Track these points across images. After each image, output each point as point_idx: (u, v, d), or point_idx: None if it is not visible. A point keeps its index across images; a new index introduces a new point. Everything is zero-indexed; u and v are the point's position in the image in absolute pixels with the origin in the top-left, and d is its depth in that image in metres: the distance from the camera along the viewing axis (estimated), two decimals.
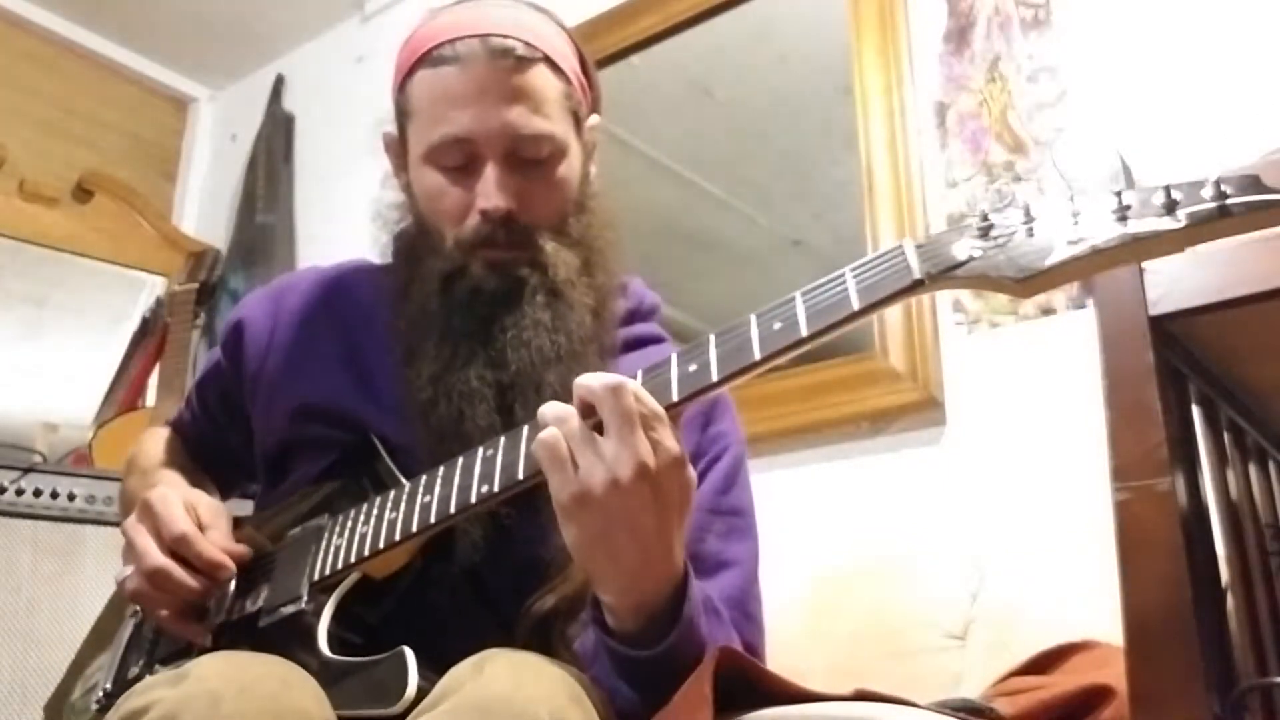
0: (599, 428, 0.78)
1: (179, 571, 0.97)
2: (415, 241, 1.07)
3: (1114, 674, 0.77)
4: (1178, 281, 0.69)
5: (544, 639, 0.92)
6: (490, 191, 0.99)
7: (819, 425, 1.79)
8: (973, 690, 1.05)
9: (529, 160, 1.01)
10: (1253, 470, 0.79)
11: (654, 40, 2.28)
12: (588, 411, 0.79)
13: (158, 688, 0.76)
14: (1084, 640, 0.95)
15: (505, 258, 1.01)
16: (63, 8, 3.02)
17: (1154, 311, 0.69)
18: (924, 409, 1.72)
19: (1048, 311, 1.65)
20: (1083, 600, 1.16)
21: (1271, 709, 0.67)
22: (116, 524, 2.04)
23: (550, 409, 0.80)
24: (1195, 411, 0.75)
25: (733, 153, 2.26)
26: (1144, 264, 0.71)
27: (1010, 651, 1.11)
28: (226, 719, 0.73)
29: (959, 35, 1.86)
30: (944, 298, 1.75)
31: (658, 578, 0.81)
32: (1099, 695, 0.82)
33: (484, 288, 1.00)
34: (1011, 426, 1.64)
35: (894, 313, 1.76)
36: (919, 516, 1.68)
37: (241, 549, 1.01)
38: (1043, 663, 0.96)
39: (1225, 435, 0.76)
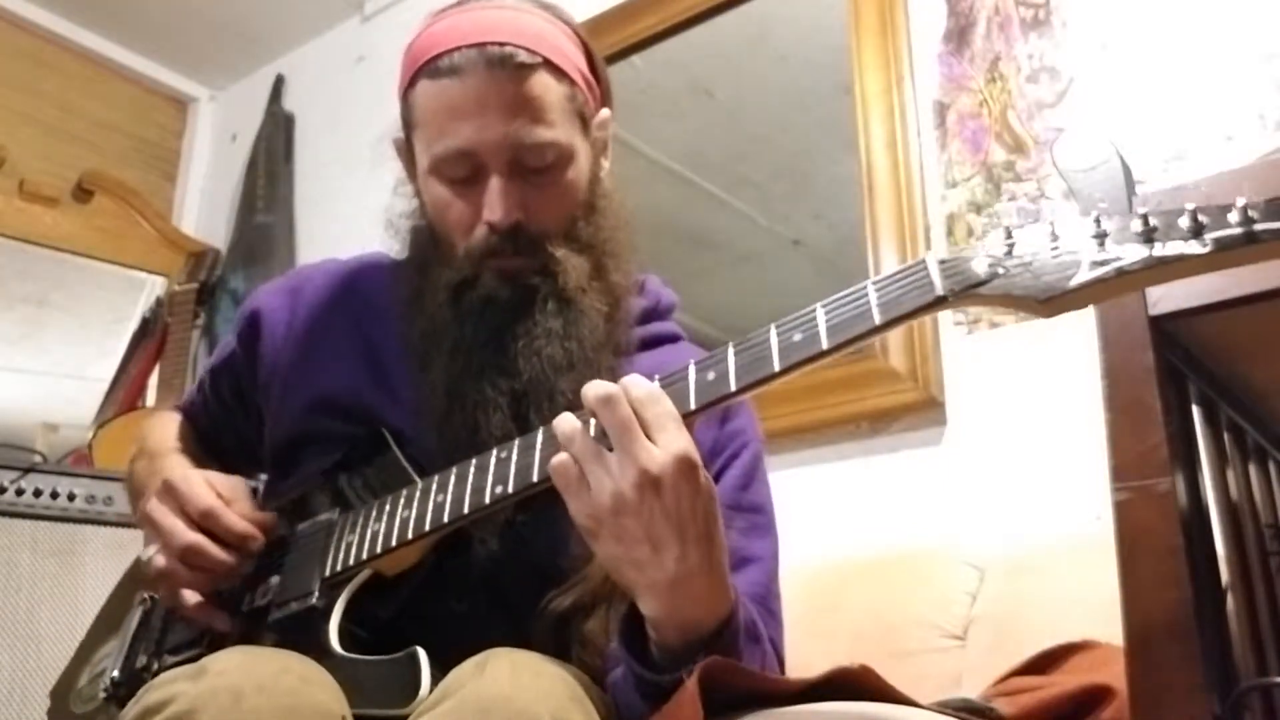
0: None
1: (212, 546, 0.98)
2: (427, 247, 1.07)
3: (1114, 674, 0.77)
4: (1178, 281, 0.69)
5: (560, 638, 0.92)
6: (495, 204, 0.98)
7: (819, 425, 1.79)
8: (973, 690, 1.05)
9: (533, 169, 1.00)
10: (1253, 470, 0.79)
11: (654, 40, 2.29)
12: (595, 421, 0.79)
13: (178, 682, 0.76)
14: (1084, 640, 0.95)
15: (515, 267, 1.00)
16: (63, 8, 3.02)
17: (1154, 311, 0.69)
18: (924, 409, 1.72)
19: None
20: (1082, 600, 1.16)
21: (1271, 709, 0.67)
22: (117, 524, 2.06)
23: (561, 425, 0.80)
24: (1195, 411, 0.74)
25: (733, 153, 2.26)
26: None
27: (1010, 651, 1.11)
28: (247, 715, 0.73)
29: (959, 35, 1.86)
30: None
31: (699, 596, 0.79)
32: (1099, 695, 0.82)
33: (495, 298, 1.00)
34: (1011, 427, 1.64)
35: None
36: (919, 516, 1.67)
37: (269, 517, 1.02)
38: (1043, 663, 0.96)
39: (1225, 435, 0.76)
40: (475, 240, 1.00)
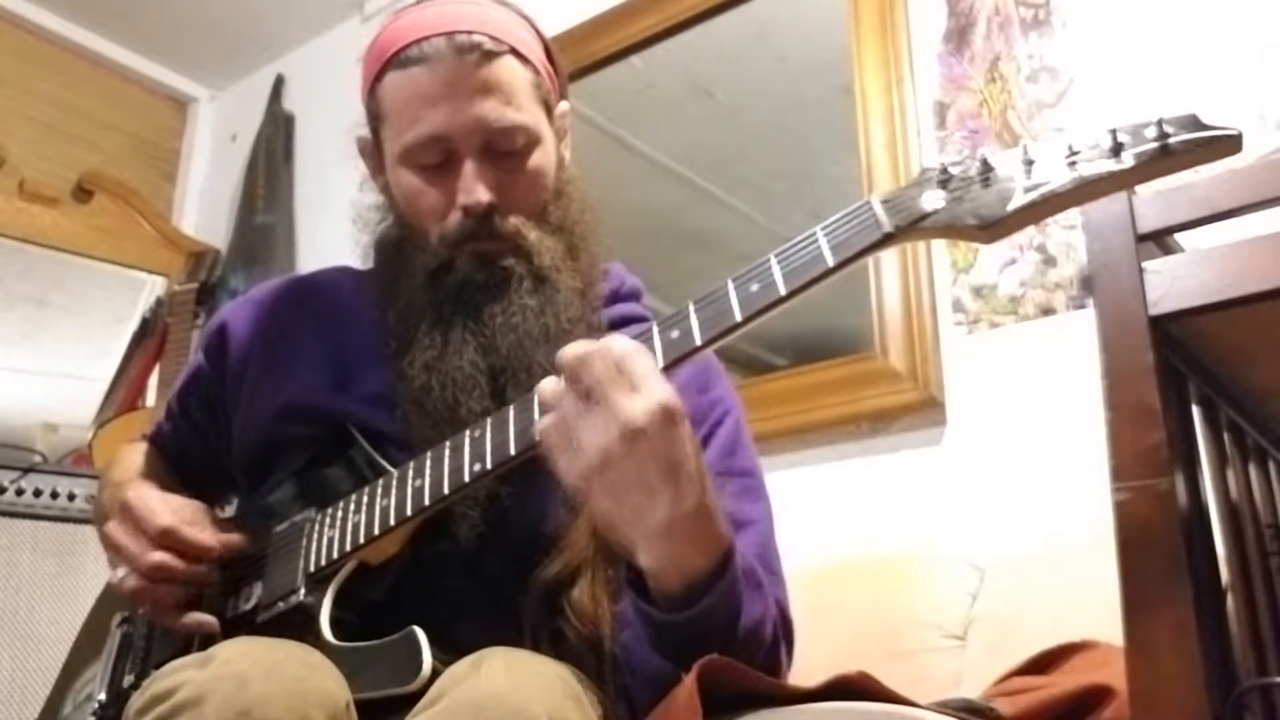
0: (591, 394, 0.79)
1: (177, 561, 0.99)
2: (400, 241, 1.08)
3: (1114, 674, 0.77)
4: (1178, 281, 0.69)
5: (549, 608, 0.93)
6: (470, 187, 1.00)
7: (819, 425, 1.79)
8: (973, 690, 1.05)
9: (504, 152, 1.02)
10: (1253, 470, 0.79)
11: (654, 40, 2.28)
12: (576, 382, 0.79)
13: (184, 670, 0.77)
14: (1084, 640, 0.95)
15: (490, 250, 1.02)
16: (63, 8, 3.02)
17: (1154, 311, 0.69)
18: (924, 409, 1.71)
19: (1048, 311, 1.65)
20: (1082, 600, 1.16)
21: (1271, 709, 0.67)
22: None
23: (545, 389, 0.81)
24: (1195, 411, 0.74)
25: (733, 153, 2.26)
26: (1144, 264, 0.71)
27: (1010, 651, 1.11)
28: (253, 700, 0.73)
29: (959, 35, 1.86)
30: (944, 298, 1.75)
31: (694, 537, 0.80)
32: (1099, 695, 0.82)
33: (471, 280, 1.02)
34: (1012, 427, 1.64)
35: (894, 312, 1.76)
36: (919, 516, 1.67)
37: (229, 536, 1.03)
38: (1043, 663, 0.96)
39: (1225, 435, 0.76)
40: (449, 226, 1.02)
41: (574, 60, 2.06)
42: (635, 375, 0.78)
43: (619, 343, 0.80)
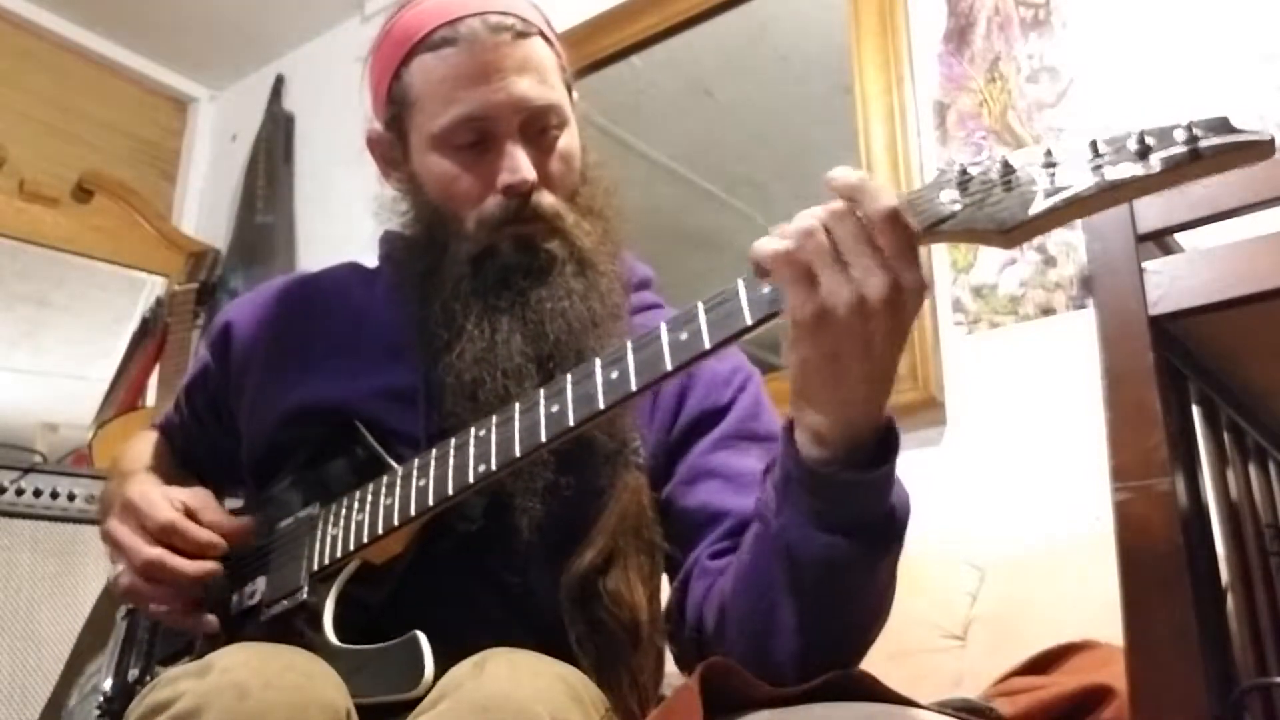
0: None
1: (172, 558, 0.97)
2: (430, 231, 1.06)
3: (1114, 674, 0.77)
4: (1178, 281, 0.69)
5: (587, 595, 0.92)
6: (515, 165, 0.99)
7: None
8: (973, 690, 1.04)
9: (539, 131, 1.01)
10: (1253, 470, 0.79)
11: (654, 40, 2.29)
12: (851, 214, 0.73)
13: (183, 680, 0.76)
14: (1084, 640, 0.95)
15: (530, 233, 1.00)
16: (63, 8, 3.02)
17: (1154, 311, 0.69)
18: (924, 409, 1.71)
19: (1048, 311, 1.65)
20: (1082, 600, 1.16)
21: (1271, 709, 0.67)
22: None
23: (800, 221, 0.76)
24: (1195, 411, 0.74)
25: (733, 153, 2.26)
26: (1144, 264, 0.71)
27: (1010, 651, 1.11)
28: (252, 711, 0.73)
29: (959, 35, 1.86)
30: (944, 298, 1.75)
31: (871, 410, 0.76)
32: (1099, 695, 0.82)
33: (515, 265, 1.00)
34: (1012, 426, 1.64)
35: None
36: (919, 516, 1.67)
37: (239, 522, 1.02)
38: (1043, 663, 0.96)
39: (1225, 435, 0.76)
40: (488, 209, 1.00)
41: (574, 60, 2.07)
42: (912, 242, 0.71)
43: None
